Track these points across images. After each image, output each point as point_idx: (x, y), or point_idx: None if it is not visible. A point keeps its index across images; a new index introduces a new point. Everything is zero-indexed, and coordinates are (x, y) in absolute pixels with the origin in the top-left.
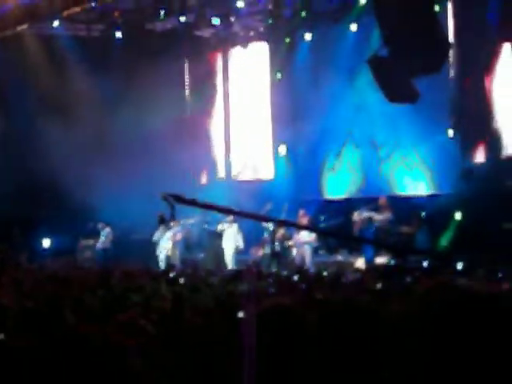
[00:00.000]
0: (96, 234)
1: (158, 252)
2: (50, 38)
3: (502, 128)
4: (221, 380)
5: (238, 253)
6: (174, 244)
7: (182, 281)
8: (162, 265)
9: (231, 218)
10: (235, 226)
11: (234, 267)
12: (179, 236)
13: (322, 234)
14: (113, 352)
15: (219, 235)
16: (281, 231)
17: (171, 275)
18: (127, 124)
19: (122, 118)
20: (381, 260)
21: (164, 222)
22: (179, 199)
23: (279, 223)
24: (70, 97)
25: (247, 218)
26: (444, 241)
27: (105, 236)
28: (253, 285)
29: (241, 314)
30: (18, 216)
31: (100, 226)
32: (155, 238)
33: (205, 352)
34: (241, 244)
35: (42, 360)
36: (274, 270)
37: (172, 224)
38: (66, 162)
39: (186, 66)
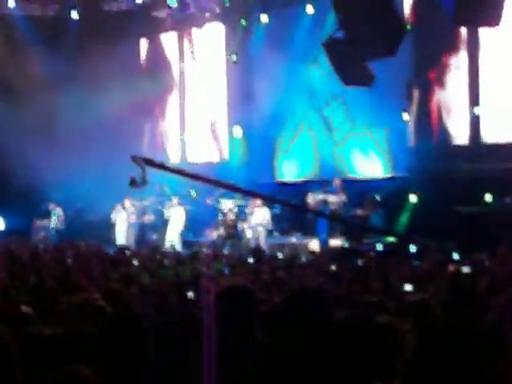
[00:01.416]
0: (50, 215)
1: (115, 233)
2: (4, 17)
3: (455, 115)
4: (181, 362)
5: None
6: (129, 225)
7: (135, 262)
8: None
9: (176, 201)
10: (181, 209)
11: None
12: (133, 218)
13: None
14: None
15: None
16: (234, 213)
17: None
18: (80, 106)
19: (75, 99)
20: (335, 242)
21: (134, 184)
22: (149, 162)
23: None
24: (22, 77)
25: (224, 188)
26: (400, 223)
27: (56, 216)
28: (209, 266)
29: (190, 295)
30: None
31: (51, 206)
32: (112, 218)
33: (159, 334)
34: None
35: None
36: (228, 251)
37: (127, 205)
38: (18, 142)
39: (142, 47)
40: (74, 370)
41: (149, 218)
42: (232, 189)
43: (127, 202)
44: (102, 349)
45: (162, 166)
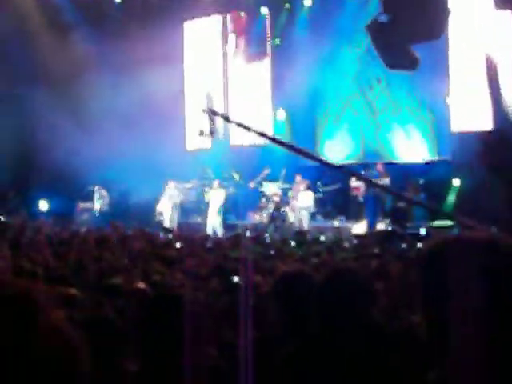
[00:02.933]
0: (93, 197)
1: (158, 215)
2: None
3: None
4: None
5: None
6: (173, 207)
7: (178, 245)
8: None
9: (217, 184)
10: (221, 192)
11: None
12: (177, 199)
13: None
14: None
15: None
16: (278, 196)
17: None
18: (123, 88)
19: (117, 82)
20: (381, 226)
21: (203, 134)
22: (215, 113)
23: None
24: (65, 61)
25: (300, 154)
26: (446, 206)
27: (101, 198)
28: (250, 250)
29: (236, 279)
30: (12, 180)
31: (95, 188)
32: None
33: (200, 317)
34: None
35: None
36: (271, 234)
37: (170, 187)
38: (61, 126)
39: (186, 30)
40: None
41: (191, 201)
42: (308, 156)
43: (171, 184)
44: (143, 331)
45: (227, 119)
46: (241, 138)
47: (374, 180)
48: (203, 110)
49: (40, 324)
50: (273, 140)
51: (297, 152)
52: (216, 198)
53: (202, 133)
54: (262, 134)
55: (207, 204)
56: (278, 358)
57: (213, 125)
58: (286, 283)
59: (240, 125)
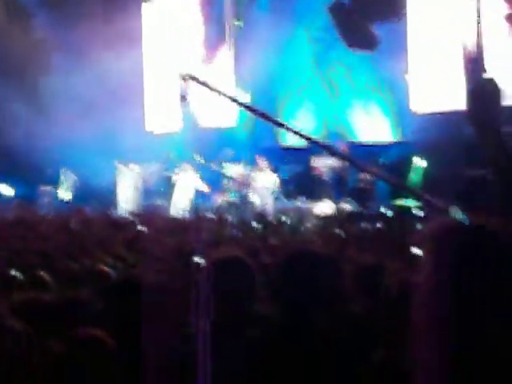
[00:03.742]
0: (55, 180)
1: (118, 198)
2: None
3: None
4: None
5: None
6: (134, 190)
7: (140, 227)
8: (123, 210)
9: (187, 166)
10: (191, 173)
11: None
12: (139, 182)
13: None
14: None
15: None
16: (241, 177)
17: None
18: (83, 71)
19: (77, 64)
20: (343, 206)
21: (185, 99)
22: (194, 78)
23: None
24: (22, 44)
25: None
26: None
27: (67, 181)
28: (211, 232)
29: (197, 260)
30: None
31: (62, 170)
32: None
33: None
34: (201, 187)
35: None
36: (234, 216)
37: (131, 169)
38: (20, 110)
39: (144, 11)
40: (89, 333)
41: (153, 184)
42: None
43: (132, 167)
44: (104, 314)
45: (205, 84)
46: (209, 120)
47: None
48: (181, 75)
49: None
50: (247, 107)
51: (276, 124)
52: (188, 181)
53: (183, 97)
54: (235, 100)
55: (172, 186)
56: (236, 343)
57: (186, 89)
58: (219, 270)
59: (218, 91)
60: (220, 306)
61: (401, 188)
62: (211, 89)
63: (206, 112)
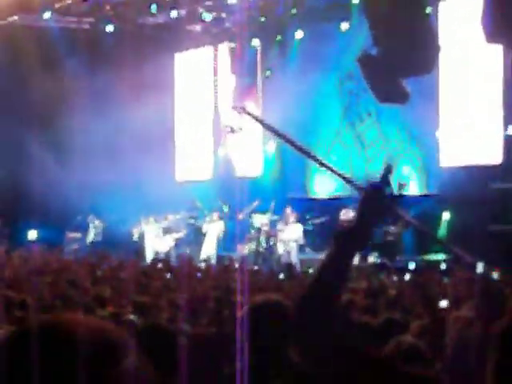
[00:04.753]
0: (83, 228)
1: (144, 245)
2: (41, 29)
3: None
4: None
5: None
6: (162, 239)
7: (168, 276)
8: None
9: (216, 216)
10: (221, 224)
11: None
12: (166, 231)
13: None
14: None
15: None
16: (266, 228)
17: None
18: (115, 119)
19: (109, 112)
20: (370, 259)
21: (233, 130)
22: (245, 110)
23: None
24: (57, 92)
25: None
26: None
27: (95, 228)
28: (245, 279)
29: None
30: (0, 210)
31: (89, 218)
32: (137, 233)
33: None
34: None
35: None
36: (259, 266)
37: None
38: (53, 158)
39: (176, 61)
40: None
41: (181, 232)
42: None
43: (161, 216)
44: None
45: (256, 118)
46: (243, 170)
47: None
48: (234, 107)
49: None
50: (302, 150)
51: (317, 162)
52: (215, 229)
53: (232, 129)
54: (290, 142)
55: (202, 236)
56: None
57: (240, 121)
58: (257, 312)
59: (272, 129)
60: (258, 350)
61: (433, 239)
62: (263, 124)
63: (229, 161)
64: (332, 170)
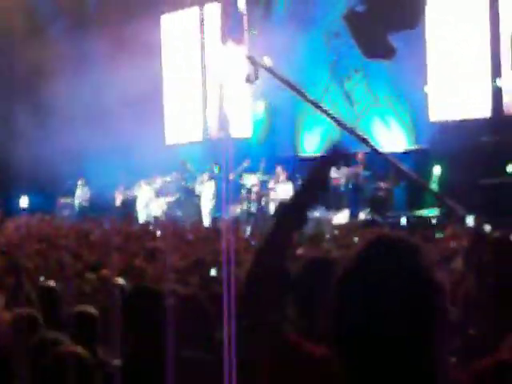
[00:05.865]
0: (74, 192)
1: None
2: None
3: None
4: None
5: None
6: (154, 201)
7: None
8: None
9: (207, 176)
10: (212, 184)
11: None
12: (158, 193)
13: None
14: None
15: (197, 195)
16: (257, 188)
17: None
18: (100, 83)
19: (95, 76)
20: (362, 216)
21: (250, 79)
22: (257, 62)
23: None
24: (42, 56)
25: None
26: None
27: (82, 193)
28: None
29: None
30: None
31: (79, 182)
32: (134, 194)
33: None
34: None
35: None
36: (252, 226)
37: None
38: (40, 122)
39: (163, 23)
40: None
41: (174, 196)
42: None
43: (151, 180)
44: (123, 326)
45: (270, 70)
46: (237, 131)
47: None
48: (247, 57)
49: None
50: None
51: (339, 124)
52: (207, 190)
53: (248, 79)
54: (303, 95)
55: (197, 197)
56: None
57: (257, 71)
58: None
59: (285, 81)
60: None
61: (429, 191)
62: (276, 75)
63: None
64: (339, 123)
